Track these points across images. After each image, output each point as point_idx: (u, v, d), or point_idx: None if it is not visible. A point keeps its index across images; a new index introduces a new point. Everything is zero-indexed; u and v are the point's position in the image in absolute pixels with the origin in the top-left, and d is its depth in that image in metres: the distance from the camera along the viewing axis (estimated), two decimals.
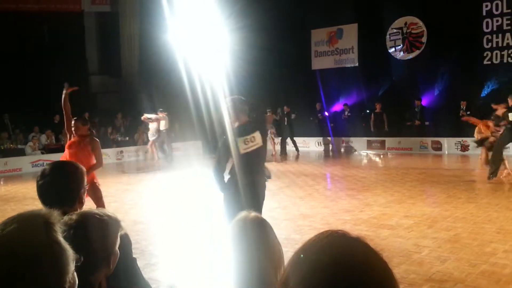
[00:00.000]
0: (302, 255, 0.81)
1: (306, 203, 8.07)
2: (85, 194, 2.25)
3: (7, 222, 0.92)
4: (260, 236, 1.69)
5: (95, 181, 5.63)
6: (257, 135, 4.30)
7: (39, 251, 0.88)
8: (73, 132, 5.66)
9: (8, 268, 0.85)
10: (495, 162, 9.38)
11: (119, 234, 1.74)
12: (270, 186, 9.71)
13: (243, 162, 4.22)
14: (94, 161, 5.68)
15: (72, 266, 0.94)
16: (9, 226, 0.90)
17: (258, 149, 4.31)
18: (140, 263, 2.18)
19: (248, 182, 4.21)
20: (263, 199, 4.49)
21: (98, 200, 5.53)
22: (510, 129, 9.35)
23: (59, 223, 0.95)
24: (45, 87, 16.91)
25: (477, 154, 12.31)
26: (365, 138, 17.19)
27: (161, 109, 15.88)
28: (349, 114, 18.03)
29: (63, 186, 2.06)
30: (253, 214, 1.80)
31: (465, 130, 14.92)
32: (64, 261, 0.92)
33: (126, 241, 1.95)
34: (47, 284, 0.88)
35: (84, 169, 2.25)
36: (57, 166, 2.20)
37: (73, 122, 5.67)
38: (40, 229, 0.91)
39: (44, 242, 0.90)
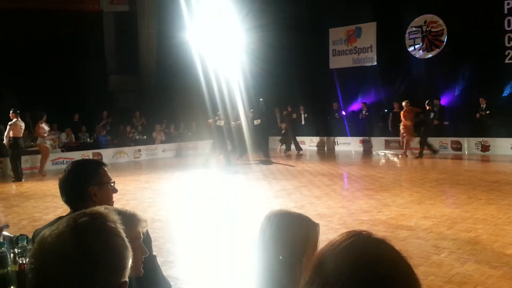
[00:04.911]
0: (326, 256, 0.80)
1: (323, 202, 8.02)
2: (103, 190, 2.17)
3: (76, 217, 0.97)
4: (281, 234, 1.59)
5: None
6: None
7: (103, 247, 0.94)
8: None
9: (73, 260, 0.90)
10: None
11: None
12: (287, 186, 9.73)
13: None
14: None
15: (130, 262, 0.99)
16: (80, 218, 0.95)
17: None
18: (158, 260, 2.19)
19: None
20: None
21: None
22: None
23: (118, 222, 1.00)
24: (64, 86, 17.20)
25: (499, 154, 12.08)
26: (383, 138, 17.02)
27: (12, 110, 11.75)
28: (366, 113, 17.86)
29: (69, 183, 2.10)
30: (279, 210, 1.66)
31: (486, 130, 14.67)
32: (126, 256, 0.97)
33: (146, 238, 1.95)
34: (110, 277, 0.94)
35: (92, 163, 2.25)
36: (70, 164, 2.23)
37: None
38: (105, 226, 0.97)
39: (107, 237, 0.95)
